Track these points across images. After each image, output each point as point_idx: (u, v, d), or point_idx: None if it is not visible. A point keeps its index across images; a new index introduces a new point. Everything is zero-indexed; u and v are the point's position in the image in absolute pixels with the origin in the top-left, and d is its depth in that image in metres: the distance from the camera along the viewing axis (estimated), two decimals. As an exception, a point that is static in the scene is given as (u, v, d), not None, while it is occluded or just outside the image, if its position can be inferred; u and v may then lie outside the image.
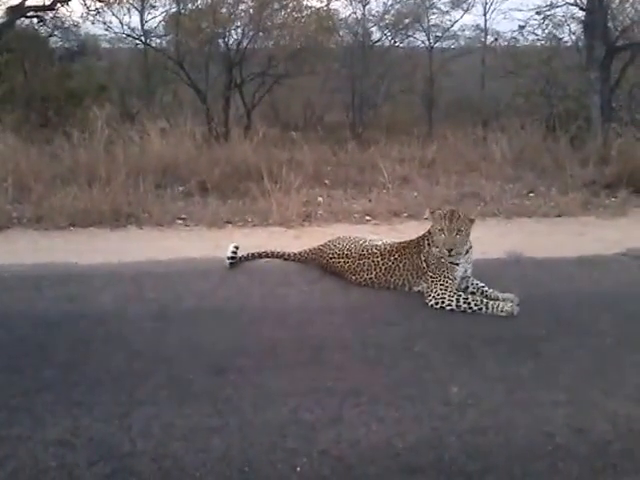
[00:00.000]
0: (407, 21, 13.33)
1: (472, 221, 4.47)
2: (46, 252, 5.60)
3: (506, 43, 12.65)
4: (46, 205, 6.58)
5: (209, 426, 2.99)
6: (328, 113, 13.12)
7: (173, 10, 12.62)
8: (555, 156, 8.61)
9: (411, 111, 13.01)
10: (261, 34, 12.26)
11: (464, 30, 13.61)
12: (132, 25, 12.85)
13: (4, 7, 12.49)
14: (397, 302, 4.54)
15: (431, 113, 12.69)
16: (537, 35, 12.10)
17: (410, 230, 5.53)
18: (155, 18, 13.13)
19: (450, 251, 4.35)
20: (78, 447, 2.84)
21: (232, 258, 5.14)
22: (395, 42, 13.69)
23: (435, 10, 13.36)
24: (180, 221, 6.62)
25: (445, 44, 13.55)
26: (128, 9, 12.74)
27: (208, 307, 4.45)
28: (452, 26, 13.50)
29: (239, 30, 12.15)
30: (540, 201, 7.27)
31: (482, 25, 13.17)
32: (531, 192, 7.66)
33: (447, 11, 13.38)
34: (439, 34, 13.36)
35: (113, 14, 12.71)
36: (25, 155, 7.68)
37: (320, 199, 7.39)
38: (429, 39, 13.43)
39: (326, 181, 8.11)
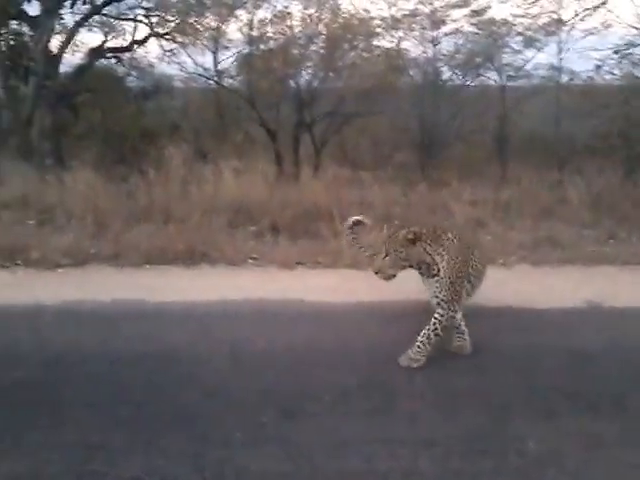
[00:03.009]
0: (478, 60, 13.20)
1: (411, 241, 4.09)
2: (122, 289, 5.68)
3: (582, 82, 12.36)
4: (123, 242, 6.69)
5: (281, 471, 2.97)
6: (397, 153, 13.02)
7: (245, 51, 12.85)
8: (635, 200, 8.31)
9: (483, 151, 12.78)
10: (331, 74, 12.34)
11: (537, 69, 13.38)
12: (205, 65, 13.14)
13: (85, 49, 12.95)
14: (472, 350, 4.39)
15: (504, 153, 12.46)
16: (614, 74, 11.82)
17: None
18: (228, 59, 13.37)
19: (375, 273, 4.17)
20: (152, 486, 2.85)
21: None
22: (466, 81, 13.57)
23: (507, 49, 13.18)
24: (252, 260, 6.62)
25: (518, 83, 13.33)
26: (202, 50, 13.06)
27: (278, 349, 4.42)
28: (525, 65, 13.30)
29: (309, 70, 12.31)
30: (620, 248, 6.98)
31: (556, 64, 12.90)
32: (611, 238, 7.38)
33: (520, 50, 13.17)
34: (512, 73, 13.17)
35: (188, 55, 13.05)
36: (103, 192, 7.85)
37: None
38: (501, 78, 13.26)
39: (396, 222, 7.99)
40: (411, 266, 4.22)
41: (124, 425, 3.39)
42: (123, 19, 13.02)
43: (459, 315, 4.32)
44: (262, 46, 12.58)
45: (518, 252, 6.75)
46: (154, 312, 5.10)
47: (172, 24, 12.78)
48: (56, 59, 12.34)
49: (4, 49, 11.11)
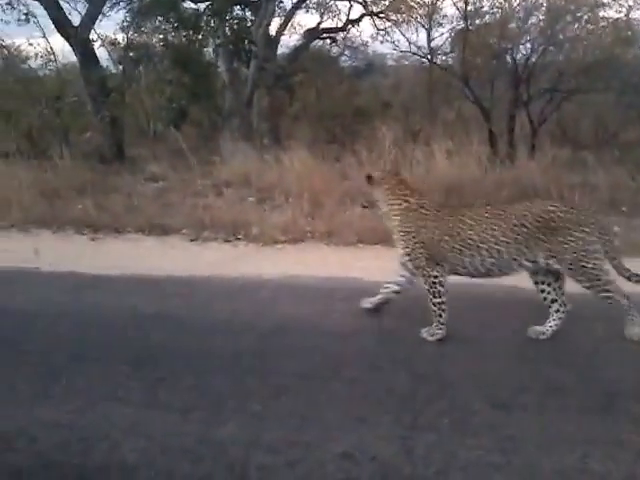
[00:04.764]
0: None
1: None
2: (335, 266, 5.78)
3: None
4: (336, 221, 6.81)
5: (491, 462, 2.88)
6: (624, 131, 12.05)
7: (460, 26, 12.54)
8: None
9: None
10: (551, 48, 11.68)
11: None
12: (419, 43, 13.02)
13: (302, 31, 13.36)
14: None
15: None
16: None
17: None
18: (442, 35, 13.15)
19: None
20: (362, 463, 2.90)
21: None
22: None
23: None
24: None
25: None
26: (416, 28, 12.96)
27: (493, 337, 4.25)
28: None
29: (527, 45, 11.74)
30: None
31: None
32: None
33: None
34: None
35: (401, 33, 13.01)
36: (317, 172, 8.04)
37: (616, 228, 6.72)
38: None
39: (623, 209, 7.38)
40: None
41: (341, 401, 3.45)
42: (339, -1, 13.24)
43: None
44: (477, 21, 12.23)
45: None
46: (366, 290, 5.10)
47: (386, 2, 12.79)
48: (274, 41, 12.87)
49: (228, 34, 11.70)
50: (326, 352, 4.07)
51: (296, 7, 12.86)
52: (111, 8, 12.58)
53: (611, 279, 4.04)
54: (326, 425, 3.21)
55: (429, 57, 12.98)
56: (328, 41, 14.30)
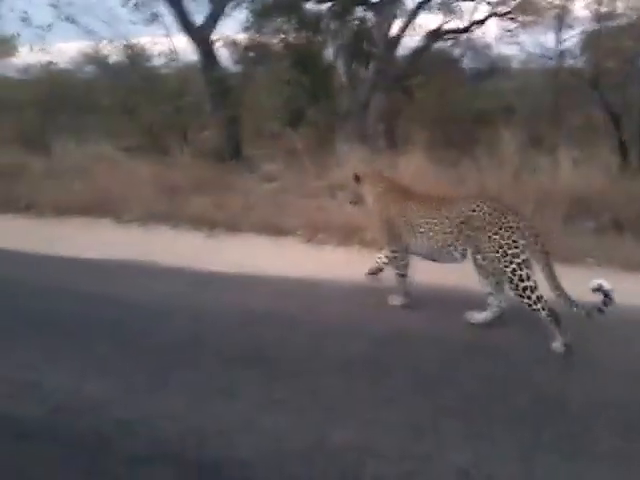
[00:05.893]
0: None
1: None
2: (449, 274, 5.54)
3: None
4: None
5: None
6: None
7: (591, 29, 11.92)
8: None
9: None
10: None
11: None
12: (546, 45, 12.52)
13: (423, 32, 13.12)
14: None
15: None
16: None
17: None
18: (571, 38, 12.57)
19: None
20: None
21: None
22: None
23: None
24: (591, 259, 6.05)
25: None
26: (544, 29, 12.47)
27: (622, 358, 4.06)
28: None
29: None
30: None
31: None
32: None
33: None
34: None
35: (528, 34, 12.57)
36: (434, 176, 7.81)
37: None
38: None
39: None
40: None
41: (454, 414, 3.37)
42: (464, 0, 12.89)
43: None
44: (611, 23, 11.56)
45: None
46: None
47: (514, 3, 12.35)
48: (395, 43, 12.68)
49: (349, 35, 11.65)
50: (441, 363, 3.99)
51: (419, 7, 12.62)
52: (233, 9, 12.77)
53: (533, 286, 4.18)
54: (441, 438, 3.13)
55: (557, 60, 12.46)
56: (449, 42, 14.01)
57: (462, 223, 4.47)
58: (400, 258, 4.96)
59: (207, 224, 7.32)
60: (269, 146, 12.30)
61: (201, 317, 4.78)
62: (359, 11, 12.46)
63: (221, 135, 12.00)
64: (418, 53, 13.26)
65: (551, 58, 12.43)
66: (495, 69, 13.55)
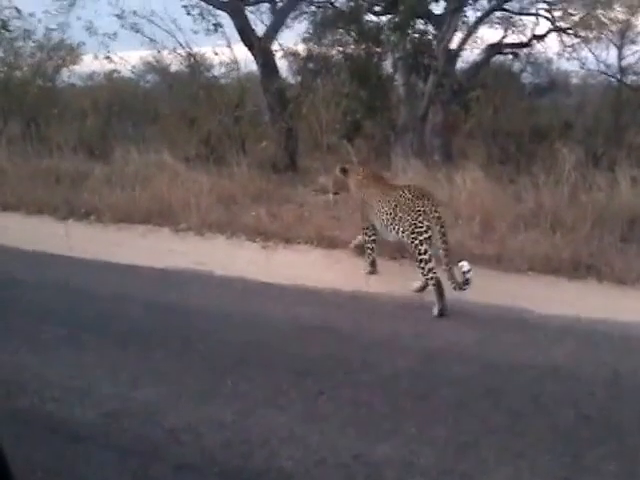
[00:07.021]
0: None
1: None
2: (502, 294, 5.54)
3: None
4: (507, 245, 6.54)
5: None
6: None
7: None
8: None
9: None
10: None
11: None
12: (608, 62, 12.31)
13: (483, 46, 13.03)
14: None
15: None
16: None
17: None
18: (634, 54, 12.33)
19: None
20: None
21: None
22: None
23: None
24: (646, 281, 5.94)
25: None
26: (606, 45, 12.26)
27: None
28: None
29: None
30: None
31: None
32: None
33: None
34: None
35: (589, 50, 12.36)
36: (490, 192, 7.76)
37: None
38: None
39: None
40: None
41: (495, 432, 3.38)
42: (525, 14, 12.78)
43: None
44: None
45: None
46: (534, 323, 4.98)
47: (576, 18, 12.17)
48: (454, 56, 12.63)
49: (409, 47, 11.63)
50: (487, 385, 3.97)
51: (480, 21, 12.54)
52: (294, 19, 12.92)
53: (427, 259, 5.31)
54: (482, 456, 3.14)
55: (618, 76, 12.26)
56: (509, 57, 13.87)
57: (396, 207, 5.56)
58: (368, 234, 6.15)
59: (262, 234, 7.43)
60: (325, 158, 12.36)
61: (251, 327, 4.87)
62: (420, 23, 12.46)
63: (278, 146, 12.11)
64: (478, 67, 13.17)
65: (612, 74, 12.21)
66: (554, 84, 13.36)
